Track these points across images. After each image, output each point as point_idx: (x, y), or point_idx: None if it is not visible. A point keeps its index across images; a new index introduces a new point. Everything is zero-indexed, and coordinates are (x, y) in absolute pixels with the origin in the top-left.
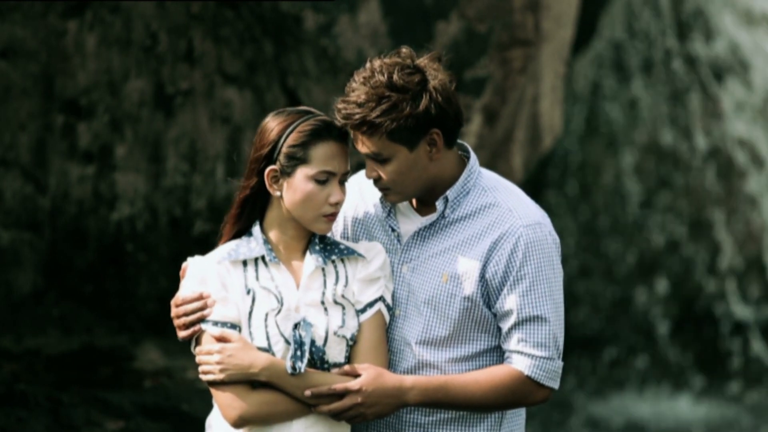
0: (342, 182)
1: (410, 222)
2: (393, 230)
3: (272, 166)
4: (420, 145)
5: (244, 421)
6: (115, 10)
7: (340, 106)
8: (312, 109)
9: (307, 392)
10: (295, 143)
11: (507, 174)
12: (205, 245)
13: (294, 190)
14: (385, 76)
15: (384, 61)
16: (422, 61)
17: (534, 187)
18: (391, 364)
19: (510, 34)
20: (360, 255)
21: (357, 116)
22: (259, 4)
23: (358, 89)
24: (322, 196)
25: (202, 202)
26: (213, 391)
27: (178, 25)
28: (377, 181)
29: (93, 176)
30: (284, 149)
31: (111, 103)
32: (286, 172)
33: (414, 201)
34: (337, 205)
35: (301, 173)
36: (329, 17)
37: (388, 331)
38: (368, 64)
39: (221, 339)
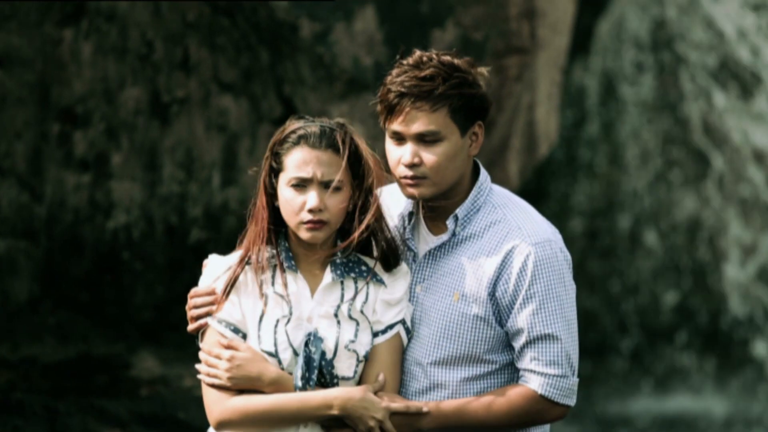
0: (327, 189)
1: (425, 242)
2: (410, 250)
3: (270, 175)
4: (468, 133)
5: (224, 425)
6: (110, 19)
7: (401, 79)
8: (318, 119)
9: None
10: (276, 152)
11: (503, 182)
12: (201, 253)
13: (279, 197)
14: (449, 58)
15: (435, 52)
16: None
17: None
18: (402, 385)
19: (506, 42)
20: (380, 281)
21: (426, 88)
22: (255, 13)
23: (423, 66)
24: (299, 203)
25: (198, 210)
26: (203, 388)
27: (173, 34)
28: (415, 167)
29: (89, 184)
30: (272, 159)
31: (107, 111)
32: (275, 179)
33: (425, 222)
34: (313, 212)
35: (281, 180)
36: (325, 25)
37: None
38: (417, 53)
39: (230, 346)
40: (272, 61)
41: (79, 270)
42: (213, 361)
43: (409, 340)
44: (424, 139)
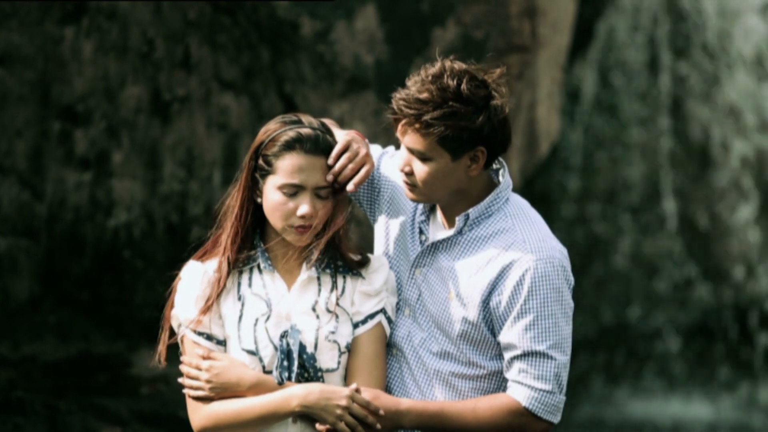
0: (319, 195)
1: (435, 230)
2: (422, 232)
3: (254, 173)
4: (463, 157)
5: (205, 429)
6: (111, 17)
7: (400, 95)
8: (305, 118)
9: (320, 427)
10: (267, 153)
11: None
12: None
13: (265, 198)
14: (455, 82)
15: (455, 66)
16: (491, 76)
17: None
18: (400, 367)
19: (507, 40)
20: (358, 275)
21: (413, 111)
22: (255, 11)
23: (424, 85)
24: (290, 208)
25: (199, 208)
26: (186, 398)
27: (174, 32)
28: (408, 175)
29: (90, 183)
30: (260, 158)
31: (108, 109)
32: (261, 179)
33: (441, 213)
34: (305, 218)
35: (270, 182)
36: (326, 24)
37: (394, 328)
38: (439, 63)
39: (208, 357)
40: (273, 59)
41: (79, 268)
42: (194, 373)
43: (403, 316)
44: (414, 153)
